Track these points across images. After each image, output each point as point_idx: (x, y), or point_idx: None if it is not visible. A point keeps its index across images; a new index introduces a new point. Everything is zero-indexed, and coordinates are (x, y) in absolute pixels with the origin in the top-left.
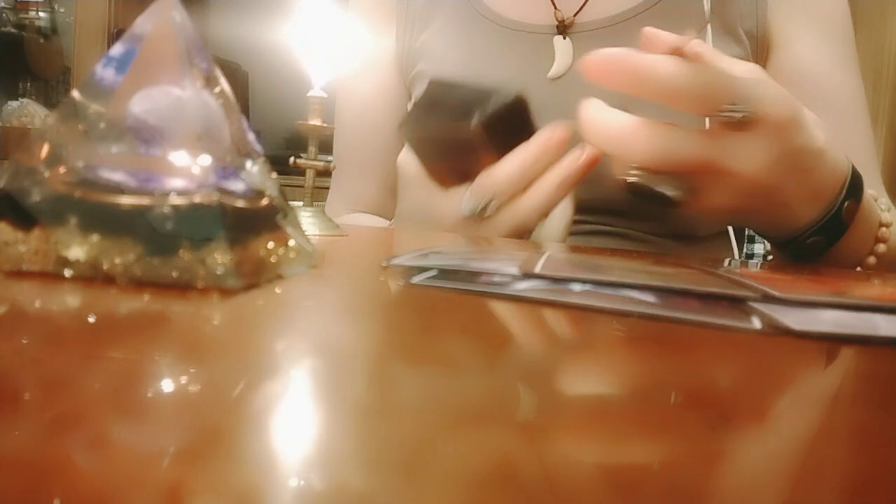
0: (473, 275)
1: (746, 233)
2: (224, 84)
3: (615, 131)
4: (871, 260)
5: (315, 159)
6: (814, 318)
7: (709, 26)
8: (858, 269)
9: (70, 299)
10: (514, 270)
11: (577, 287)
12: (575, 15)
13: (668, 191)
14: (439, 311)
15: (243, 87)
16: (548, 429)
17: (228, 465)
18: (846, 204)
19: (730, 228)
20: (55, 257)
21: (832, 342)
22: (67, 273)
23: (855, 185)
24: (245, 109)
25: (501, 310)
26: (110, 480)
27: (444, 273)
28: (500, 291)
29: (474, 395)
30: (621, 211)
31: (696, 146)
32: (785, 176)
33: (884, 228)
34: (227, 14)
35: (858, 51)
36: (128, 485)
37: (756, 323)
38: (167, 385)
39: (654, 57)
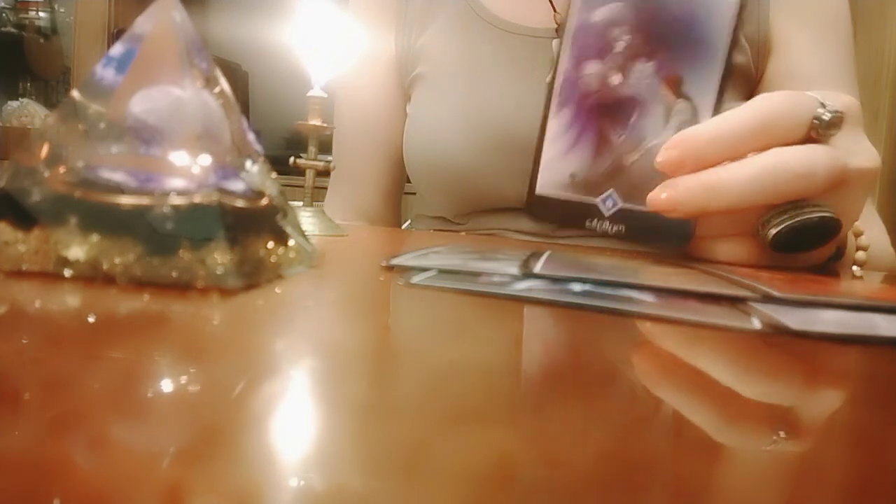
0: (473, 275)
1: None
2: (224, 84)
3: (752, 180)
4: (861, 256)
5: (315, 159)
6: (814, 318)
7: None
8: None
9: (70, 299)
10: (514, 270)
11: (577, 287)
12: None
13: (824, 212)
14: (439, 311)
15: (243, 87)
16: (546, 428)
17: (228, 465)
18: None
19: None
20: (55, 257)
21: (832, 342)
22: (67, 273)
23: None
24: (245, 109)
25: (501, 310)
26: (110, 480)
27: (444, 273)
28: (500, 291)
29: (474, 395)
30: None
31: (831, 156)
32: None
33: (860, 253)
34: (227, 14)
35: (858, 51)
36: (128, 485)
37: (756, 323)
38: (167, 385)
39: (709, 125)
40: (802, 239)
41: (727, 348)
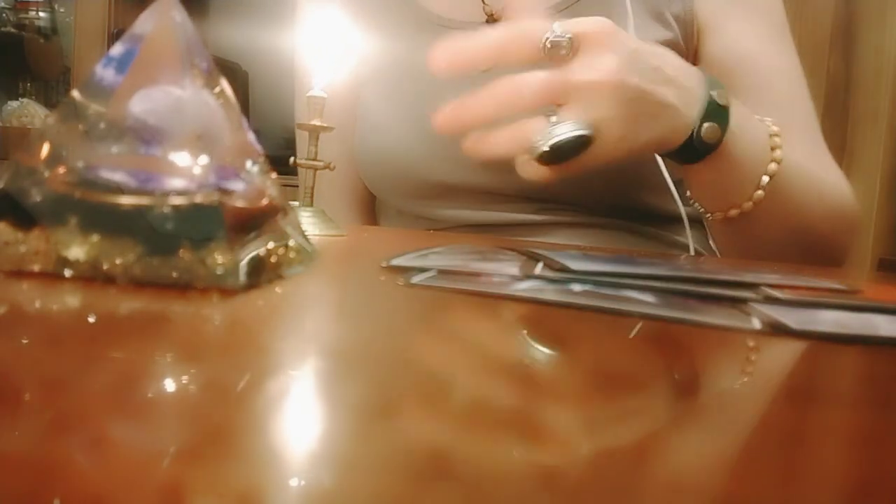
0: (473, 275)
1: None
2: (224, 84)
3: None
4: (760, 193)
5: (315, 159)
6: (814, 318)
7: (630, 14)
8: (749, 203)
9: (70, 299)
10: (515, 271)
11: (577, 287)
12: (504, 8)
13: (579, 129)
14: (439, 311)
15: (243, 87)
16: (546, 428)
17: (229, 465)
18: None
19: (683, 212)
20: (55, 257)
21: (832, 342)
22: (67, 273)
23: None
24: (245, 109)
25: (501, 310)
26: (111, 480)
27: (444, 273)
28: (500, 292)
29: (474, 395)
30: (569, 199)
31: (543, 76)
32: (640, 73)
33: (773, 165)
34: (227, 14)
35: (858, 51)
36: (128, 485)
37: (756, 323)
38: (167, 385)
39: (472, 35)
40: (572, 148)
41: (727, 348)
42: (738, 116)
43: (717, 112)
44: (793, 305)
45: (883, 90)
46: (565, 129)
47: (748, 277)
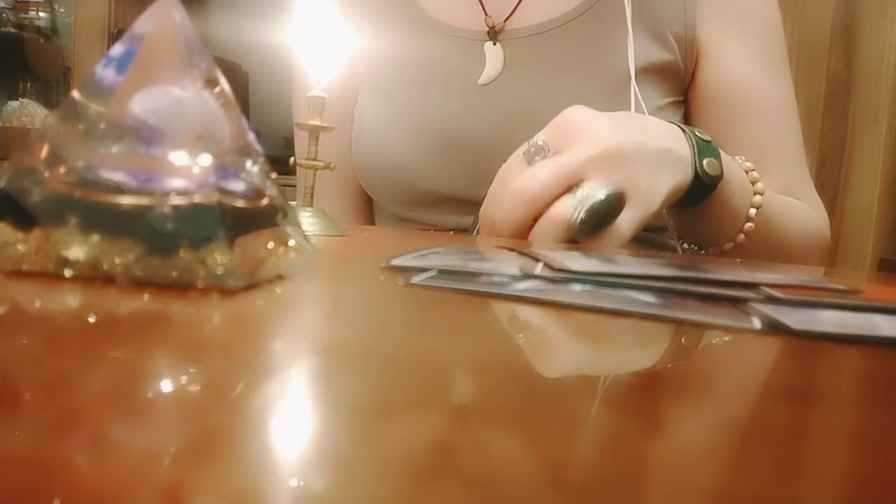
0: (473, 275)
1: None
2: (224, 84)
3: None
4: (750, 226)
5: (315, 159)
6: (814, 318)
7: (630, 32)
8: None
9: (70, 299)
10: (514, 271)
11: (577, 287)
12: (505, 20)
13: (607, 188)
14: (439, 311)
15: (243, 87)
16: (544, 428)
17: (228, 465)
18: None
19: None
20: (55, 257)
21: (832, 342)
22: (67, 273)
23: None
24: (245, 109)
25: (501, 310)
26: (110, 480)
27: (444, 273)
28: (500, 291)
29: (475, 395)
30: None
31: (551, 166)
32: (628, 131)
33: (757, 197)
34: (227, 14)
35: (858, 51)
36: (128, 485)
37: (756, 323)
38: (167, 385)
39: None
40: (607, 212)
41: (727, 348)
42: (721, 152)
43: (706, 148)
44: (793, 305)
45: (883, 90)
46: (595, 193)
47: (748, 277)
